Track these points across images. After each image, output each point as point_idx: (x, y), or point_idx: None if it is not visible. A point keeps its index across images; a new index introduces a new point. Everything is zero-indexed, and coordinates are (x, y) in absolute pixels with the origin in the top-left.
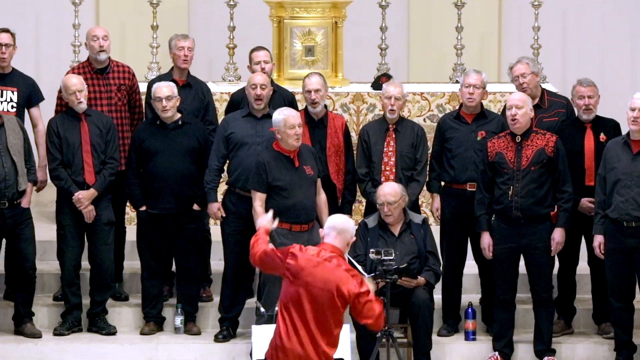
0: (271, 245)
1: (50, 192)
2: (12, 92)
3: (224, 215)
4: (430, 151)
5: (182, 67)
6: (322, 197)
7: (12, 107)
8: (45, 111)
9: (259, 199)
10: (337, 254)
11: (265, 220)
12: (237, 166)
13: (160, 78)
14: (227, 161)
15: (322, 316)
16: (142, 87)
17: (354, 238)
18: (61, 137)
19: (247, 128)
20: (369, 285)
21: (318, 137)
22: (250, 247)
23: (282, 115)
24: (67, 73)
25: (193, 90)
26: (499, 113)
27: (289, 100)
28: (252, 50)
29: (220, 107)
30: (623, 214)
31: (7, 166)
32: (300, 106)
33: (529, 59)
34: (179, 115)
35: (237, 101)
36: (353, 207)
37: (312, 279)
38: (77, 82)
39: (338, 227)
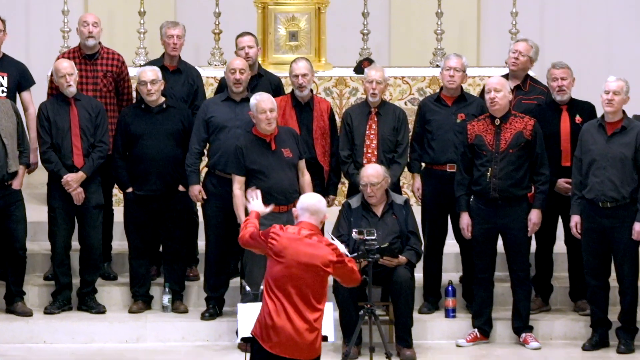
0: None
1: (40, 175)
2: (3, 77)
3: (204, 197)
4: (411, 133)
5: (172, 54)
6: (306, 179)
7: (3, 91)
8: (36, 95)
9: (237, 182)
10: (315, 231)
11: (257, 204)
12: (217, 149)
13: (151, 63)
14: (207, 144)
15: (308, 291)
16: (133, 72)
17: (327, 215)
18: (51, 121)
19: (227, 112)
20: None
21: (305, 120)
22: (240, 229)
23: (255, 100)
24: (58, 58)
25: (183, 76)
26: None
27: (275, 85)
28: (238, 36)
29: (207, 92)
30: (599, 195)
31: None
32: (287, 90)
33: (534, 44)
34: (163, 99)
35: (226, 85)
36: (337, 188)
37: (296, 255)
38: (67, 66)
39: (311, 209)
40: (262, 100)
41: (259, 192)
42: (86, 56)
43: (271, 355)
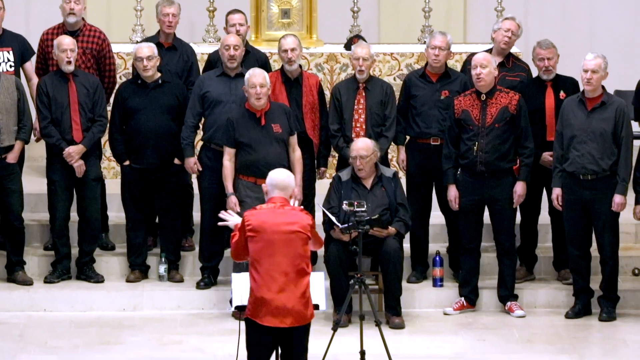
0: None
1: (39, 148)
2: (8, 52)
3: (200, 169)
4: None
5: (167, 32)
6: (296, 154)
7: (10, 66)
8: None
9: (227, 154)
10: (286, 204)
11: (235, 219)
12: (213, 123)
13: (147, 40)
14: (203, 118)
15: (293, 258)
16: (128, 49)
17: (296, 190)
18: (50, 97)
19: (222, 87)
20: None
21: (294, 95)
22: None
23: (247, 75)
24: (43, 33)
25: (178, 53)
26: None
27: (262, 61)
28: (228, 13)
29: (201, 67)
30: (579, 168)
31: None
32: (277, 66)
33: (519, 22)
34: (159, 74)
35: (214, 61)
36: (328, 161)
37: (276, 226)
38: (69, 42)
39: (280, 185)
40: (253, 75)
41: (231, 212)
42: (68, 33)
43: (264, 328)
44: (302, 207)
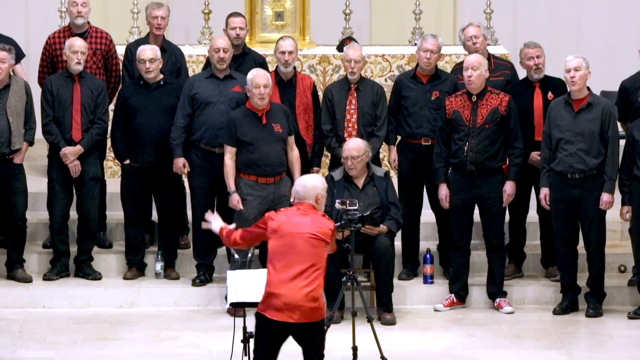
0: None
1: (40, 147)
2: None
3: (188, 169)
4: None
5: (156, 34)
6: (294, 154)
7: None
8: (30, 69)
9: (229, 152)
10: (310, 208)
11: (218, 222)
12: (202, 124)
13: (137, 42)
14: (192, 119)
15: (310, 259)
16: (123, 50)
17: (324, 194)
18: (54, 95)
19: (211, 88)
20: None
21: (288, 96)
22: (224, 241)
23: (251, 75)
24: (49, 36)
25: (167, 54)
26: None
27: (259, 63)
28: (229, 16)
29: (197, 69)
30: (567, 167)
31: (1, 125)
32: (271, 68)
33: (480, 23)
34: (161, 76)
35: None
36: (321, 160)
37: (297, 227)
38: (81, 44)
39: (300, 193)
40: (257, 76)
41: (210, 213)
42: (76, 35)
43: (274, 323)
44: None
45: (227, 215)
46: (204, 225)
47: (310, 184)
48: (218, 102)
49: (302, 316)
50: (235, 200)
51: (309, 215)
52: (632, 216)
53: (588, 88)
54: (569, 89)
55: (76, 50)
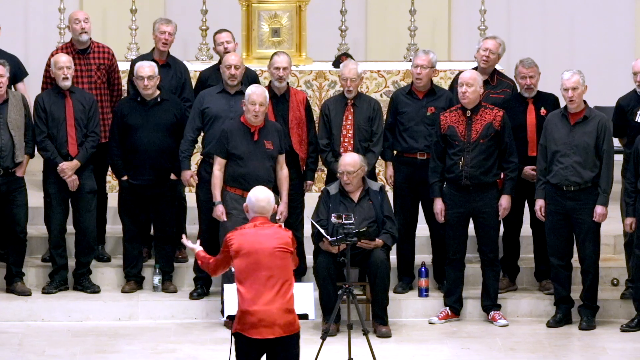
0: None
1: (38, 162)
2: None
3: (196, 181)
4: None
5: (162, 50)
6: (283, 172)
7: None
8: (30, 86)
9: (218, 164)
10: (267, 222)
11: (196, 247)
12: (212, 138)
13: (142, 57)
14: (202, 133)
15: (277, 272)
16: (124, 66)
17: (282, 206)
18: (47, 112)
19: (222, 103)
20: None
21: (281, 111)
22: (201, 266)
23: (249, 91)
24: (52, 53)
25: (172, 70)
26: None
27: (252, 78)
28: (216, 33)
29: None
30: (563, 180)
31: (4, 139)
32: (266, 83)
33: (502, 41)
34: (158, 92)
35: (205, 79)
36: (316, 174)
37: (259, 244)
38: (66, 60)
39: (259, 211)
40: (254, 93)
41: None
42: (79, 51)
43: (252, 341)
44: (281, 224)
45: None
46: (183, 240)
47: (263, 206)
48: (228, 117)
49: (281, 330)
50: (219, 211)
51: (268, 229)
52: (636, 227)
53: (584, 102)
54: (562, 104)
55: (61, 66)
